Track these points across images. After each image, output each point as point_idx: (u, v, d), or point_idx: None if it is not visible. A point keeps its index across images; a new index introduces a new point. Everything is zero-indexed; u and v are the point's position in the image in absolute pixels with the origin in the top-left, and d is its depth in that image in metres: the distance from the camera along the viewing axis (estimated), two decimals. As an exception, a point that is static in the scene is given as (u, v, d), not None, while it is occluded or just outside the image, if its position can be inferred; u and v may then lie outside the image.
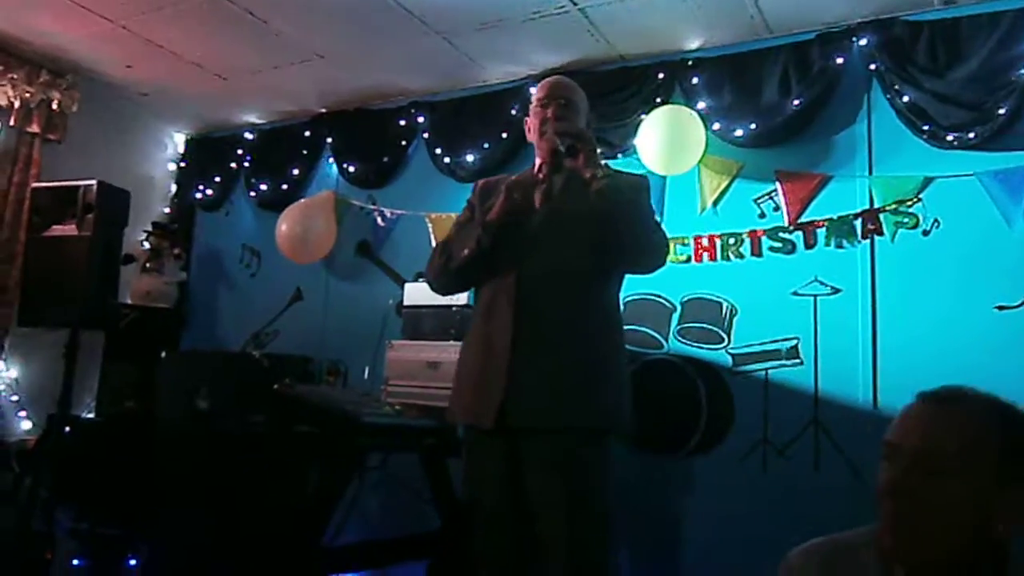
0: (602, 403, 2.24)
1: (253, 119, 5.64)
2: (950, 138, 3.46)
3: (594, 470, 2.21)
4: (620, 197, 2.23)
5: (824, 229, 3.72)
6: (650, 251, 2.32)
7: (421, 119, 4.89)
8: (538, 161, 2.45)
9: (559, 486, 2.17)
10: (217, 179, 5.71)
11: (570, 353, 2.23)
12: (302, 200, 5.14)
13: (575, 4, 3.79)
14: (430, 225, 4.74)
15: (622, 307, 2.52)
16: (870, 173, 3.67)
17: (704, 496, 3.77)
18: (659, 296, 4.02)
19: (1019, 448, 1.21)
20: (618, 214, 2.23)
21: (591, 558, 2.17)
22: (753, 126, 3.86)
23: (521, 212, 2.36)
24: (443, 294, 2.62)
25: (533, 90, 4.34)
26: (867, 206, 3.65)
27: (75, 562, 3.63)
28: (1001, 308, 3.31)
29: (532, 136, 2.50)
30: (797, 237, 3.79)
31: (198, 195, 5.77)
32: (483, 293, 2.41)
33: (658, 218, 2.48)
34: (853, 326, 3.58)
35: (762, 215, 3.89)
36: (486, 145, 4.59)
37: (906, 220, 3.57)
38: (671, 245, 3.92)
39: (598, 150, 2.38)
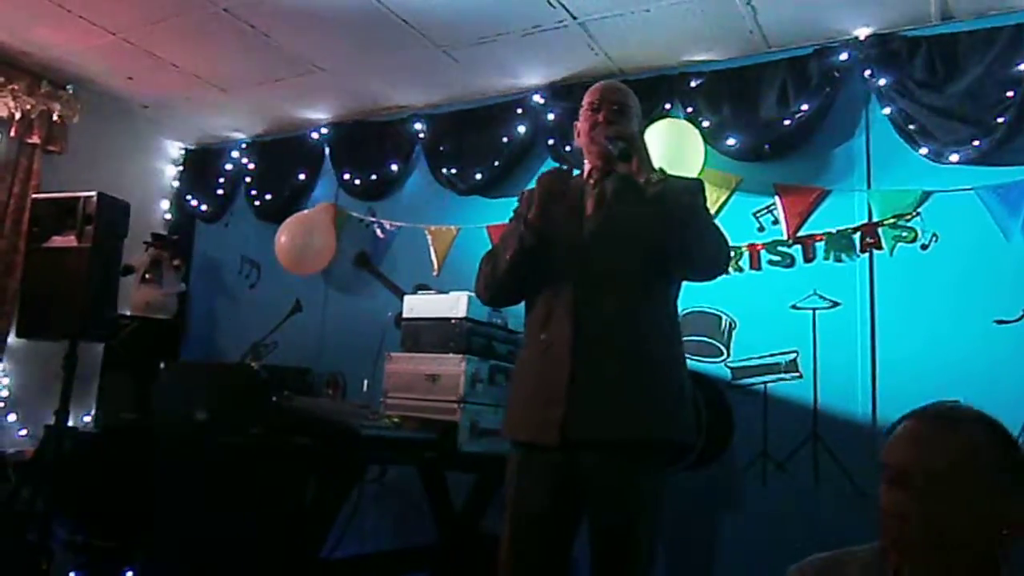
0: (662, 415, 2.17)
1: (253, 131, 5.66)
2: (948, 152, 3.47)
3: (655, 484, 2.17)
4: (678, 200, 2.16)
5: (823, 243, 3.73)
6: (710, 256, 2.23)
7: (421, 132, 4.90)
8: (588, 166, 2.39)
9: (622, 500, 2.12)
10: (217, 191, 5.73)
11: (629, 365, 2.16)
12: (302, 212, 5.15)
13: (575, 18, 3.81)
14: (429, 237, 4.75)
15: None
16: (869, 187, 3.68)
17: (704, 510, 3.75)
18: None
19: (1013, 461, 1.22)
20: (676, 218, 2.15)
21: (637, 572, 2.13)
22: (752, 140, 3.87)
23: (559, 212, 2.28)
24: (493, 305, 2.55)
25: (537, 98, 4.44)
26: (866, 220, 3.66)
27: (72, 574, 3.62)
28: (1000, 322, 3.32)
29: (581, 140, 2.40)
30: (796, 251, 3.79)
31: (198, 206, 5.79)
32: (538, 304, 2.32)
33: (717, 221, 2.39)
34: (852, 340, 3.58)
35: (761, 228, 3.90)
36: (486, 158, 4.60)
37: (905, 234, 3.58)
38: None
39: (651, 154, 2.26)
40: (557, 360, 2.19)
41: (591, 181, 2.34)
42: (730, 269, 3.89)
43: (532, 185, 2.39)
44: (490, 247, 2.55)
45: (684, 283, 2.42)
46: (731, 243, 3.79)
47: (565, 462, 2.16)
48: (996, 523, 1.18)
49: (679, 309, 2.42)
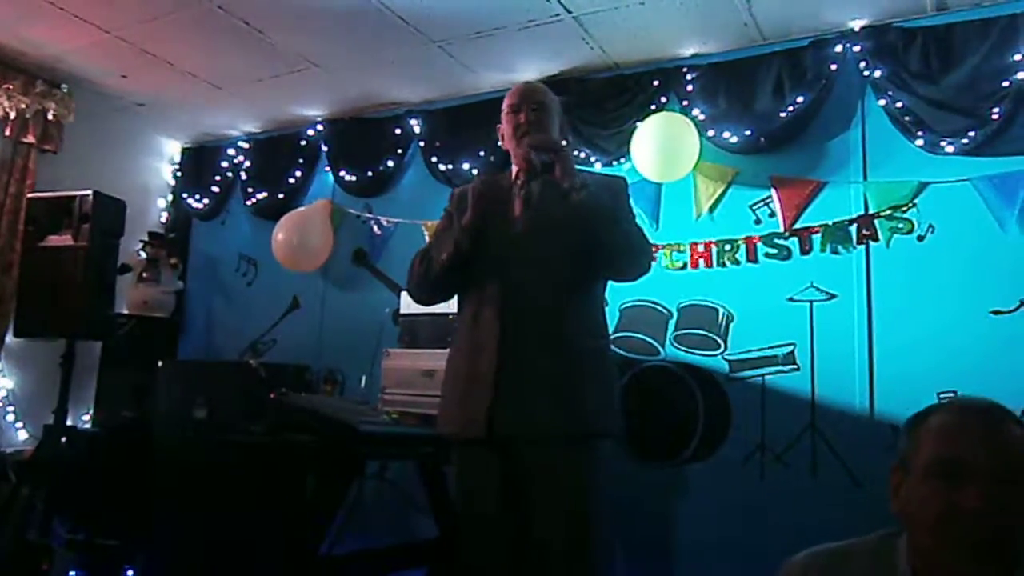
0: (589, 408, 2.22)
1: (249, 128, 5.65)
2: (944, 143, 3.48)
3: (584, 474, 2.20)
4: (600, 208, 2.23)
5: (819, 235, 3.73)
6: (632, 259, 2.31)
7: (417, 128, 4.90)
8: (515, 168, 2.44)
9: (553, 491, 2.17)
10: (213, 188, 5.72)
11: (555, 360, 2.22)
12: (298, 209, 5.15)
13: (569, 12, 3.81)
14: (426, 233, 4.74)
15: (617, 313, 2.51)
16: (865, 179, 3.69)
17: (702, 502, 3.76)
18: (655, 303, 4.02)
19: None
20: (598, 225, 2.22)
21: (584, 562, 2.16)
22: (748, 132, 3.87)
23: (492, 212, 2.34)
24: (424, 303, 2.60)
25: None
26: (862, 212, 3.66)
27: (72, 573, 3.62)
28: (996, 312, 3.32)
29: (507, 144, 2.46)
30: (793, 243, 3.80)
31: (194, 204, 5.78)
32: (467, 303, 2.39)
33: (648, 222, 2.46)
34: (849, 332, 3.59)
35: (758, 221, 3.90)
36: (482, 153, 4.59)
37: (901, 225, 3.58)
38: (667, 252, 3.96)
39: (574, 155, 2.34)
40: (485, 355, 2.24)
41: (518, 183, 2.39)
42: (727, 262, 3.90)
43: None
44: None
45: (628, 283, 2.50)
46: (722, 237, 3.89)
47: (498, 456, 2.23)
48: None
49: (606, 304, 2.48)
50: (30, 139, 4.83)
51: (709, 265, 3.94)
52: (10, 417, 4.79)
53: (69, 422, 3.91)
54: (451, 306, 3.51)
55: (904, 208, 3.58)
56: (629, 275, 2.38)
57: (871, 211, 3.64)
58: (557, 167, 2.25)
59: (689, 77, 4.08)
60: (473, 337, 2.30)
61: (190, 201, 5.80)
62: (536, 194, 2.36)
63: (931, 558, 1.20)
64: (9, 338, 4.63)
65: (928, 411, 1.31)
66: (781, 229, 3.82)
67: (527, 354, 2.22)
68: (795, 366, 3.70)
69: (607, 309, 2.50)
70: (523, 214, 2.36)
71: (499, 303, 2.27)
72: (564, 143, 2.40)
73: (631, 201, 2.47)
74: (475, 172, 4.60)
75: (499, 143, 2.53)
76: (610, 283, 2.48)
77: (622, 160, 4.14)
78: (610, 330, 2.59)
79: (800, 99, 3.77)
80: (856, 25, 3.74)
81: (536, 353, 2.22)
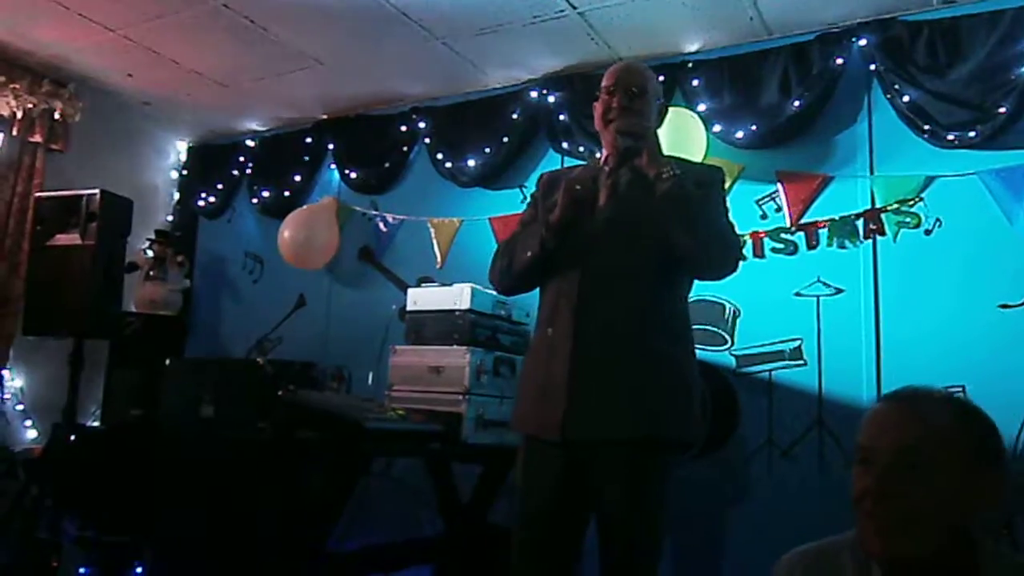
0: (666, 411, 2.13)
1: (254, 126, 5.66)
2: (951, 137, 3.46)
3: (657, 480, 2.14)
4: (687, 199, 2.09)
5: (826, 229, 3.72)
6: (718, 257, 2.17)
7: (422, 124, 4.90)
8: (604, 153, 2.32)
9: (624, 496, 2.09)
10: (219, 186, 5.73)
11: (632, 366, 2.12)
12: (304, 206, 5.16)
13: (574, 8, 3.80)
14: (432, 230, 4.75)
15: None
16: (871, 173, 3.68)
17: (709, 498, 3.76)
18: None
19: (983, 438, 1.27)
20: (683, 219, 2.09)
21: (647, 567, 2.13)
22: (754, 127, 3.86)
23: (584, 210, 2.21)
24: (508, 295, 2.56)
25: (536, 92, 4.44)
26: (869, 206, 3.65)
27: (81, 570, 3.63)
28: (1004, 307, 3.31)
29: (598, 124, 2.32)
30: (799, 238, 3.79)
31: (200, 202, 5.79)
32: (546, 296, 2.29)
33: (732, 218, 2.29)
34: (856, 326, 3.58)
35: (764, 216, 3.89)
36: (487, 149, 4.60)
37: (908, 220, 3.57)
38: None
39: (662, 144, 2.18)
40: (559, 355, 2.16)
41: (607, 169, 2.27)
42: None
43: (541, 173, 2.40)
44: (495, 238, 2.54)
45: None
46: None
47: (568, 457, 2.14)
48: (961, 499, 1.22)
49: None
50: (37, 138, 4.84)
51: (715, 260, 3.92)
52: (19, 415, 4.81)
53: (77, 420, 3.92)
54: (458, 303, 3.54)
55: (911, 202, 3.57)
56: (713, 273, 2.25)
57: (878, 205, 3.63)
58: (644, 153, 2.15)
59: (695, 72, 4.07)
60: (550, 335, 2.21)
61: (196, 199, 5.80)
62: (624, 183, 2.24)
63: (859, 538, 1.29)
64: (18, 337, 4.65)
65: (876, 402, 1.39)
66: (787, 224, 3.82)
67: (602, 360, 2.13)
68: (802, 361, 3.69)
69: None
70: (608, 204, 2.23)
71: (576, 301, 2.17)
72: (655, 131, 2.28)
73: (726, 195, 2.33)
74: (480, 168, 4.60)
75: (594, 125, 2.38)
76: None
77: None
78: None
79: (806, 94, 3.76)
80: (862, 19, 3.72)
81: (612, 359, 2.12)
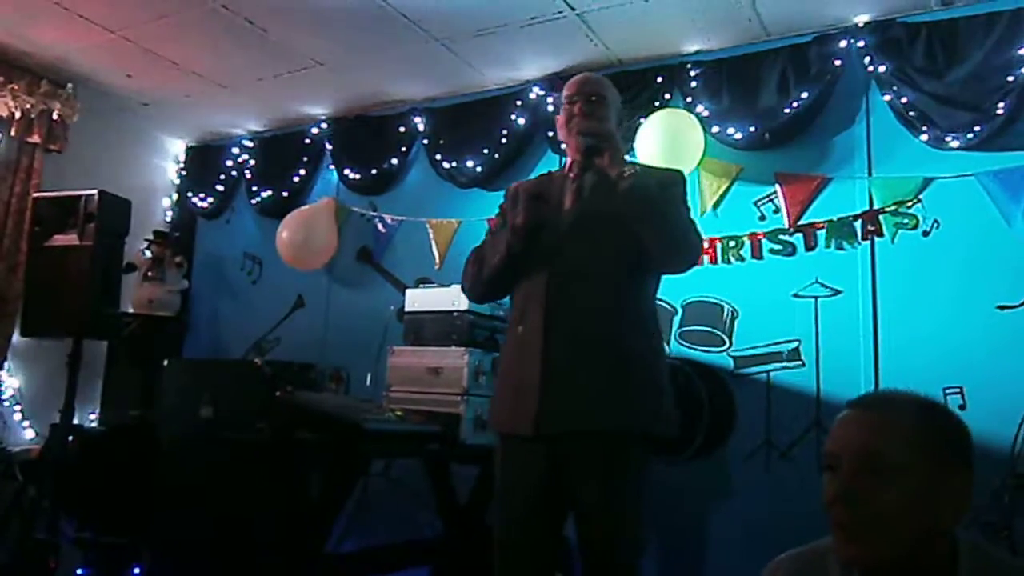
0: (637, 406, 2.19)
1: (253, 127, 5.66)
2: (949, 139, 3.47)
3: (632, 473, 2.18)
4: (647, 196, 2.18)
5: (824, 231, 3.73)
6: (679, 252, 2.24)
7: (421, 125, 4.90)
8: (569, 159, 2.41)
9: (598, 489, 2.14)
10: (218, 187, 5.73)
11: (602, 356, 2.19)
12: (303, 207, 5.16)
13: (573, 9, 3.81)
14: (431, 231, 4.75)
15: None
16: (869, 174, 3.68)
17: (706, 499, 3.76)
18: (660, 299, 4.00)
19: (949, 439, 1.26)
20: (644, 215, 2.17)
21: (626, 560, 2.15)
22: (752, 129, 3.86)
23: (548, 212, 2.30)
24: (480, 302, 2.59)
25: (537, 90, 4.44)
26: (867, 207, 3.66)
27: (79, 571, 3.63)
28: (1002, 308, 3.31)
29: (562, 134, 2.42)
30: (797, 239, 3.79)
31: (199, 203, 5.79)
32: (516, 297, 2.37)
33: (693, 215, 2.37)
34: (854, 327, 3.58)
35: (762, 217, 3.90)
36: (486, 150, 4.60)
37: (906, 221, 3.57)
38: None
39: (624, 147, 2.29)
40: (531, 353, 2.22)
41: (571, 175, 2.36)
42: (731, 258, 3.89)
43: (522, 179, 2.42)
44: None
45: (671, 276, 2.42)
46: (727, 233, 3.88)
47: (544, 455, 2.19)
48: (931, 500, 1.21)
49: (655, 301, 2.42)
50: (35, 139, 4.84)
51: (714, 261, 3.93)
52: (17, 416, 4.81)
53: (76, 421, 3.92)
54: (456, 304, 3.55)
55: (909, 204, 3.57)
56: (674, 266, 2.31)
57: (876, 207, 3.64)
58: (606, 154, 2.23)
59: (693, 73, 4.08)
60: (520, 337, 2.28)
61: (195, 200, 5.81)
62: (588, 187, 2.33)
63: (834, 545, 1.29)
64: (16, 337, 4.65)
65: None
66: (786, 225, 3.82)
67: (573, 357, 2.19)
68: (800, 362, 3.69)
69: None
70: (574, 207, 2.31)
71: (545, 301, 2.23)
72: (617, 136, 2.37)
73: (686, 194, 2.41)
74: (479, 169, 4.60)
75: (555, 136, 2.50)
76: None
77: (626, 157, 4.13)
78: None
79: (804, 95, 3.76)
80: (860, 20, 3.73)
81: (582, 355, 2.19)
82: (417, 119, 4.91)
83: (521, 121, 4.51)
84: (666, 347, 2.44)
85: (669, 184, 2.35)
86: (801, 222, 3.78)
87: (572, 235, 2.27)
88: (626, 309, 2.25)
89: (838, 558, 1.30)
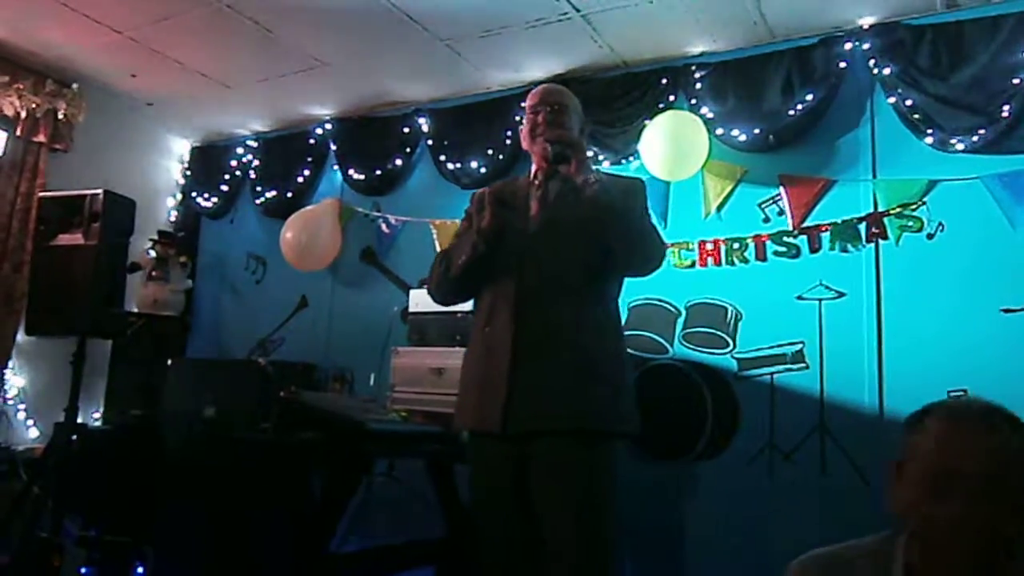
0: (602, 406, 2.24)
1: (258, 127, 5.67)
2: (954, 141, 3.46)
3: (597, 472, 2.22)
4: (611, 203, 2.25)
5: (828, 233, 3.72)
6: (643, 256, 2.32)
7: (425, 126, 4.90)
8: (534, 167, 2.46)
9: (562, 489, 2.19)
10: (222, 187, 5.74)
11: (568, 358, 2.24)
12: (307, 208, 5.16)
13: (578, 11, 3.81)
14: (435, 232, 4.75)
15: (626, 312, 2.51)
16: (874, 177, 3.68)
17: (710, 501, 3.76)
18: (664, 301, 4.02)
19: None
20: (609, 220, 2.24)
21: (595, 560, 2.17)
22: (757, 131, 3.86)
23: (510, 219, 2.37)
24: (444, 304, 2.63)
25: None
26: (871, 210, 3.65)
27: (83, 570, 3.63)
28: (1007, 311, 3.31)
29: (526, 143, 2.50)
30: (802, 241, 3.79)
31: (203, 203, 5.80)
32: (483, 301, 2.42)
33: (656, 220, 2.46)
34: (858, 330, 3.58)
35: (766, 219, 3.89)
36: (490, 151, 4.60)
37: (910, 224, 3.57)
38: (676, 250, 3.95)
39: (589, 155, 2.34)
40: (499, 353, 2.27)
41: (536, 182, 2.42)
42: (735, 260, 3.89)
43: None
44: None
45: (638, 280, 2.50)
46: (731, 235, 3.88)
47: (511, 451, 2.24)
48: None
49: (621, 305, 2.49)
50: (41, 138, 4.85)
51: (718, 263, 3.93)
52: (21, 415, 4.81)
53: (79, 420, 3.93)
54: (463, 305, 3.54)
55: (913, 206, 3.57)
56: (639, 271, 2.38)
57: (880, 209, 3.63)
58: (573, 161, 2.27)
59: (698, 75, 4.08)
60: (487, 339, 2.33)
61: (199, 200, 5.82)
62: (553, 194, 2.39)
63: (922, 563, 1.22)
64: (20, 336, 4.66)
65: (925, 411, 1.32)
66: (790, 227, 3.81)
67: (540, 358, 2.24)
68: (804, 364, 3.69)
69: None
70: (539, 214, 2.38)
71: (513, 305, 2.29)
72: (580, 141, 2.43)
73: (647, 202, 2.47)
74: (483, 170, 4.61)
75: (521, 143, 2.55)
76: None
77: (631, 159, 4.14)
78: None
79: (809, 97, 3.76)
80: (865, 23, 3.73)
81: (549, 357, 2.24)
82: (421, 120, 4.92)
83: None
84: (628, 349, 2.48)
85: (632, 192, 2.42)
86: (805, 224, 3.78)
87: (539, 241, 2.34)
88: (591, 313, 2.32)
89: (880, 562, 1.25)
